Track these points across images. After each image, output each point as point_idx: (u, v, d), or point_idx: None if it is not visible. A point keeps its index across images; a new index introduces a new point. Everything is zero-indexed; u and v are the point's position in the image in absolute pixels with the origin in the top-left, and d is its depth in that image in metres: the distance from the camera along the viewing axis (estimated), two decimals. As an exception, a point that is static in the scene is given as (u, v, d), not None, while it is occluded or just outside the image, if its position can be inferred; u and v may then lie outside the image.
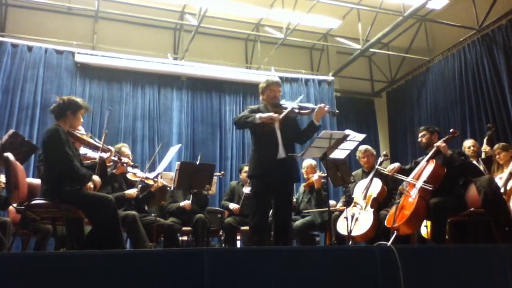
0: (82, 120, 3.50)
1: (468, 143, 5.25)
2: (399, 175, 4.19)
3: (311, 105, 3.71)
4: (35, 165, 5.88)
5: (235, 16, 8.19)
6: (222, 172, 6.52)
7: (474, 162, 4.83)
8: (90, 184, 3.43)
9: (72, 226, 3.39)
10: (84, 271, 2.18)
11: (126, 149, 4.59)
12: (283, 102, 3.77)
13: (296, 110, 3.66)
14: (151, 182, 4.52)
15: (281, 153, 3.58)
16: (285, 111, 3.57)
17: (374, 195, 4.51)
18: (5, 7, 7.59)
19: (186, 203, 4.77)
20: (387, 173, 4.28)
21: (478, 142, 5.35)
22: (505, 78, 6.78)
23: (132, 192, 4.38)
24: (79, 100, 3.43)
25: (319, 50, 9.63)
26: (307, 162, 5.49)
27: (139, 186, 4.53)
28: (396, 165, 4.30)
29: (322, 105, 3.65)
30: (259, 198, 3.62)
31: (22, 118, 6.64)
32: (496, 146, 4.85)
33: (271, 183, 3.56)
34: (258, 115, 3.53)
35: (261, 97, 3.86)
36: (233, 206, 5.25)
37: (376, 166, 4.76)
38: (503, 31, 6.96)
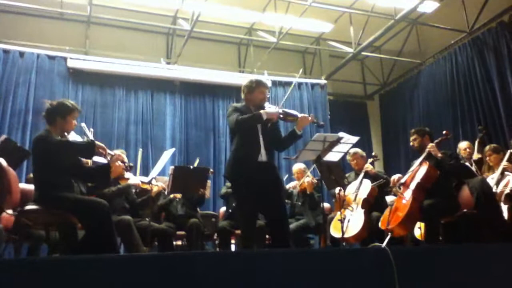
0: (76, 123, 3.42)
1: (463, 145, 5.30)
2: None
3: (295, 112, 3.50)
4: (28, 170, 5.84)
5: (228, 21, 8.20)
6: (212, 170, 6.49)
7: (467, 164, 4.87)
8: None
9: (65, 231, 3.37)
10: (77, 277, 2.16)
11: (123, 156, 4.54)
12: (267, 105, 3.53)
13: (281, 116, 3.45)
14: (146, 187, 4.51)
15: (263, 156, 3.40)
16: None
17: (364, 196, 4.57)
18: (-4, 12, 7.56)
19: (175, 194, 4.81)
20: (392, 185, 4.32)
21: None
22: (495, 80, 6.84)
23: (136, 181, 4.37)
24: (68, 103, 3.33)
25: (312, 54, 9.66)
26: (297, 167, 5.47)
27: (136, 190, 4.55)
28: (398, 176, 4.35)
29: (307, 114, 3.49)
30: (243, 202, 3.42)
31: (14, 124, 6.59)
32: (487, 147, 4.89)
33: (255, 185, 3.33)
34: (263, 111, 3.34)
35: (245, 96, 3.59)
36: None
37: (365, 167, 4.84)
38: (493, 34, 7.03)
